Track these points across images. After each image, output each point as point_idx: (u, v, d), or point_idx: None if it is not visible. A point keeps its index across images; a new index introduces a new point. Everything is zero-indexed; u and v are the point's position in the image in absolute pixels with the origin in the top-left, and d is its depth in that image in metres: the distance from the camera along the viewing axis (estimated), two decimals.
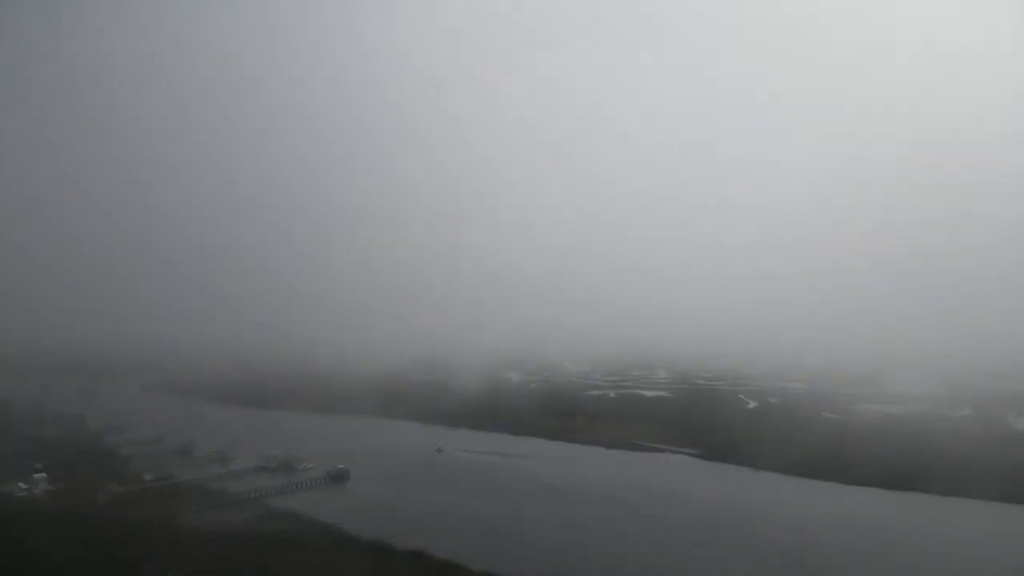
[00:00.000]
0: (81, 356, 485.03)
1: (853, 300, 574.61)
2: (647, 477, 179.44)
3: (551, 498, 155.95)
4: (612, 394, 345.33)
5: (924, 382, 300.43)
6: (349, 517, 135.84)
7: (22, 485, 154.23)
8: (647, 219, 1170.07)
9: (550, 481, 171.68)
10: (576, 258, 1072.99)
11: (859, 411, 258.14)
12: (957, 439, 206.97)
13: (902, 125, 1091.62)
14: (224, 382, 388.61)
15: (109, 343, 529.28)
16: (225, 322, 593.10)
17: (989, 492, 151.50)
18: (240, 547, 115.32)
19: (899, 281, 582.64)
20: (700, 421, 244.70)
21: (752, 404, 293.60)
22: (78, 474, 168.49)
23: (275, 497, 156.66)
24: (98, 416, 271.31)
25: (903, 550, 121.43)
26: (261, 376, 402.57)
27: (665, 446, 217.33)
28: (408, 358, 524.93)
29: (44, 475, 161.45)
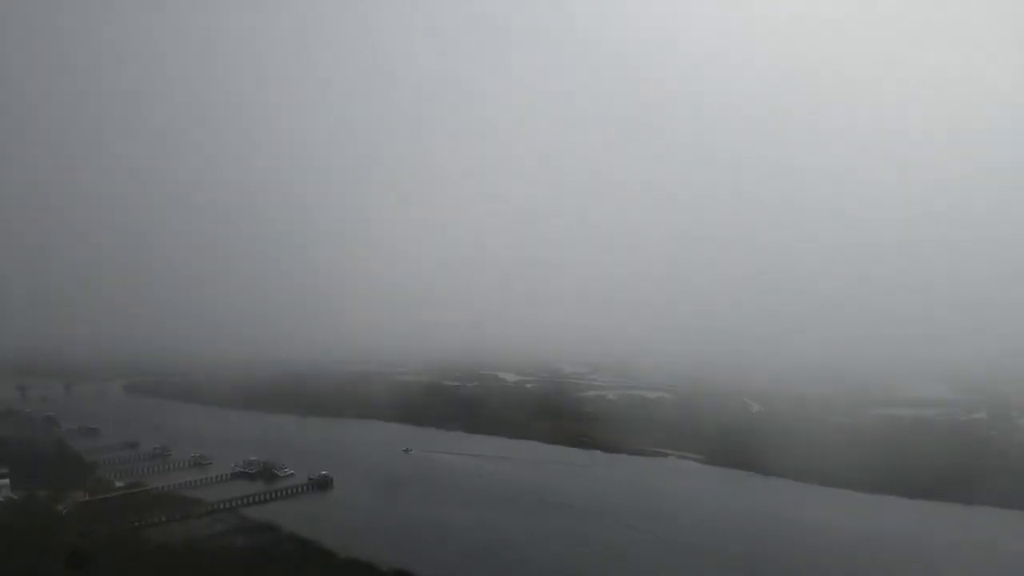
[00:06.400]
0: (64, 357, 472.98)
1: (858, 302, 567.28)
2: (646, 484, 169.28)
3: (542, 509, 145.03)
4: (611, 395, 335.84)
5: (936, 385, 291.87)
6: (329, 530, 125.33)
7: None
8: (641, 217, 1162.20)
9: (542, 489, 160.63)
10: (573, 257, 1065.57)
11: (870, 415, 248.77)
12: (972, 444, 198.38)
13: (904, 125, 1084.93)
14: (209, 384, 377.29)
15: (94, 345, 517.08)
16: (214, 324, 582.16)
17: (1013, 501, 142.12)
18: (208, 565, 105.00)
19: (904, 284, 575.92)
20: (703, 424, 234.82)
21: (756, 407, 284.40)
22: (45, 480, 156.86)
23: (253, 507, 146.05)
24: (75, 419, 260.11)
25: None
26: (247, 378, 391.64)
27: (668, 450, 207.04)
28: (399, 359, 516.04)
29: (7, 481, 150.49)
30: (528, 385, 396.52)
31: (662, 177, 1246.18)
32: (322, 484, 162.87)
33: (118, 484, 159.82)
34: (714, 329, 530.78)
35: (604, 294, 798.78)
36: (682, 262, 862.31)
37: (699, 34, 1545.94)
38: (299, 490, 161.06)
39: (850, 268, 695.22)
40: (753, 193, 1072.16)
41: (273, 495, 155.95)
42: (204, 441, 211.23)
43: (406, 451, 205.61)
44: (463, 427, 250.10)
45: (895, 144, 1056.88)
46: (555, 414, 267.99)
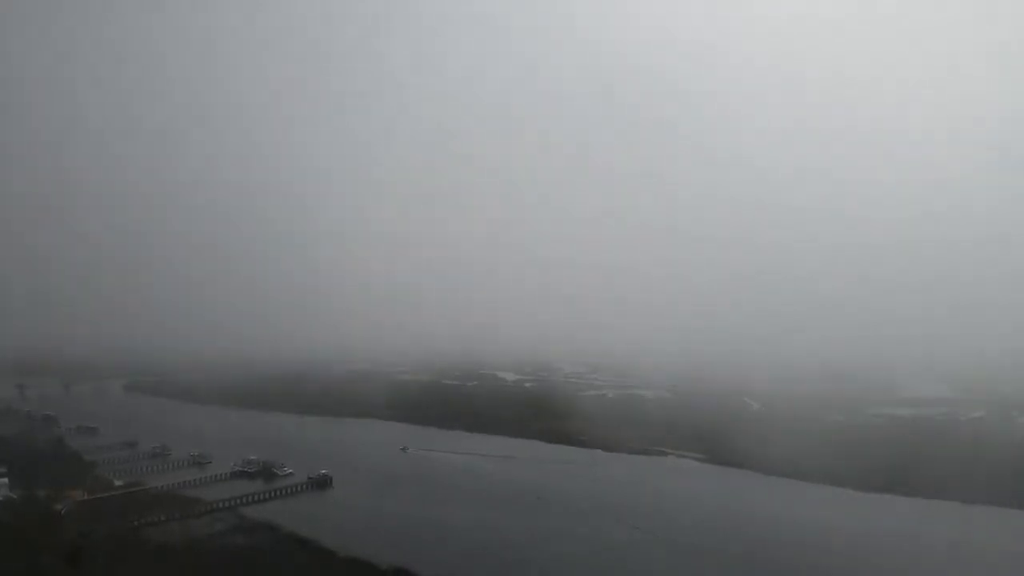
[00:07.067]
0: (64, 357, 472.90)
1: (858, 302, 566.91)
2: (647, 483, 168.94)
3: (542, 509, 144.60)
4: (611, 395, 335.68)
5: (936, 385, 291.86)
6: (329, 529, 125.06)
7: None
8: (641, 217, 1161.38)
9: (542, 488, 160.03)
10: (573, 257, 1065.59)
11: (870, 414, 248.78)
12: (972, 444, 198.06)
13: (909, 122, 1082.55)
14: (209, 383, 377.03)
15: (94, 344, 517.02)
16: (214, 324, 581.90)
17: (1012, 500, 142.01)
18: (207, 564, 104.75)
19: (904, 284, 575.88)
20: (703, 424, 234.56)
21: (756, 407, 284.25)
22: (44, 479, 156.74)
23: (253, 506, 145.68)
24: (75, 418, 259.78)
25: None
26: (247, 377, 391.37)
27: (668, 450, 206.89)
28: (399, 359, 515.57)
29: (6, 480, 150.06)
30: (527, 384, 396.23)
31: (662, 177, 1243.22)
32: (321, 483, 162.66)
33: (117, 483, 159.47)
34: (714, 329, 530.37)
35: (604, 294, 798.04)
36: (682, 262, 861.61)
37: (699, 34, 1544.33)
38: (298, 489, 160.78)
39: (850, 268, 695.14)
40: (753, 193, 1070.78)
41: (272, 494, 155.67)
42: (203, 440, 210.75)
43: (403, 450, 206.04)
44: (463, 426, 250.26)
45: (895, 144, 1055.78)
46: (555, 413, 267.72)
